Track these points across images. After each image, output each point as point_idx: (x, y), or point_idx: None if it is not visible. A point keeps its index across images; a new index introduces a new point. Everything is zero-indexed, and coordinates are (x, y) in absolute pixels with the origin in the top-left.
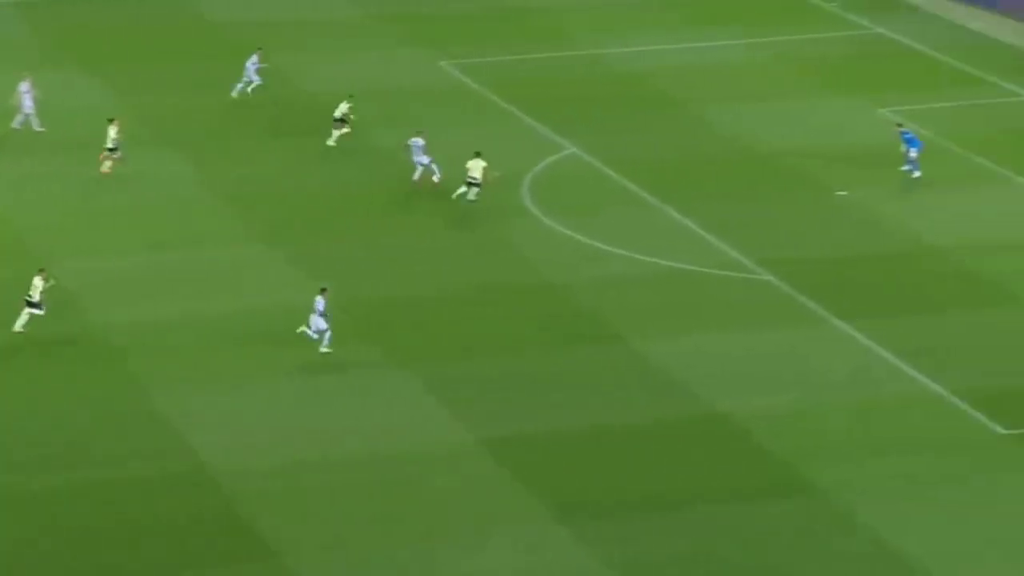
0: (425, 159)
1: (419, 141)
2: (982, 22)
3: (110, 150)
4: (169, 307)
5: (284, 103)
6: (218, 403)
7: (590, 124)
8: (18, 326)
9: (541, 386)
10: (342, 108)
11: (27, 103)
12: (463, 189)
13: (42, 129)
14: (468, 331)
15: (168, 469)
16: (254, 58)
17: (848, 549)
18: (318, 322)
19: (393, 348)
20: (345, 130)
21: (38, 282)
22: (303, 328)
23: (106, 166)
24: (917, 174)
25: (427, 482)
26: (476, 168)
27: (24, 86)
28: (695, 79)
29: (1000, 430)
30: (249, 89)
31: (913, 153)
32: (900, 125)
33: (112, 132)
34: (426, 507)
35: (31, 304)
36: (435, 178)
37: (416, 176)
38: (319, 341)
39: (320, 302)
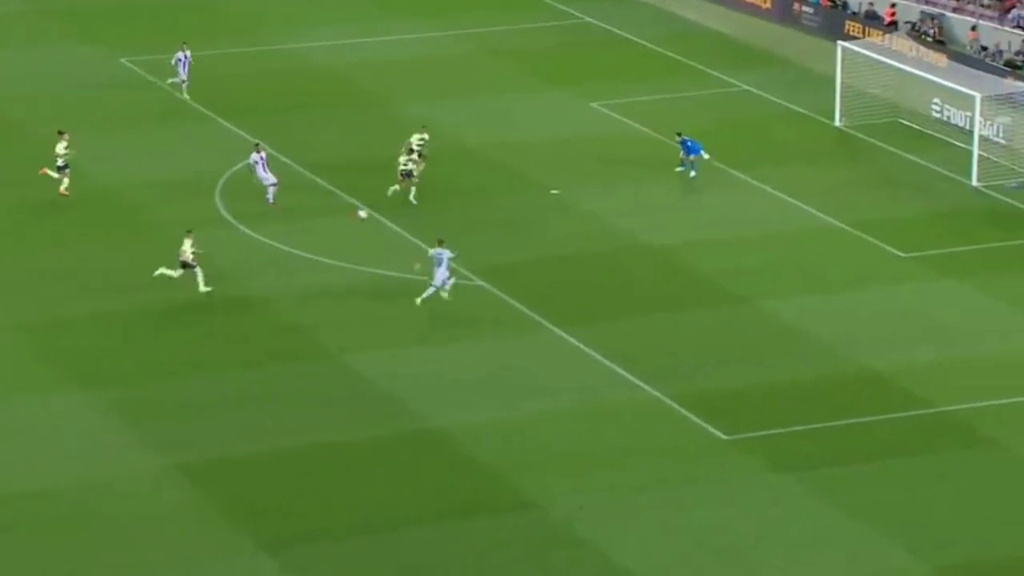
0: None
1: (259, 157)
2: (694, 11)
3: (60, 168)
4: None
5: None
6: None
7: (287, 124)
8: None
9: (242, 407)
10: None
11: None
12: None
13: None
14: (160, 351)
15: None
16: None
17: (568, 564)
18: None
19: (77, 370)
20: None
21: (187, 245)
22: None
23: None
24: (693, 174)
25: (119, 513)
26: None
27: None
28: (398, 74)
29: (721, 436)
30: None
31: (693, 156)
32: (680, 134)
33: (60, 148)
34: (119, 541)
35: (185, 265)
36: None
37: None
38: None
39: (443, 253)
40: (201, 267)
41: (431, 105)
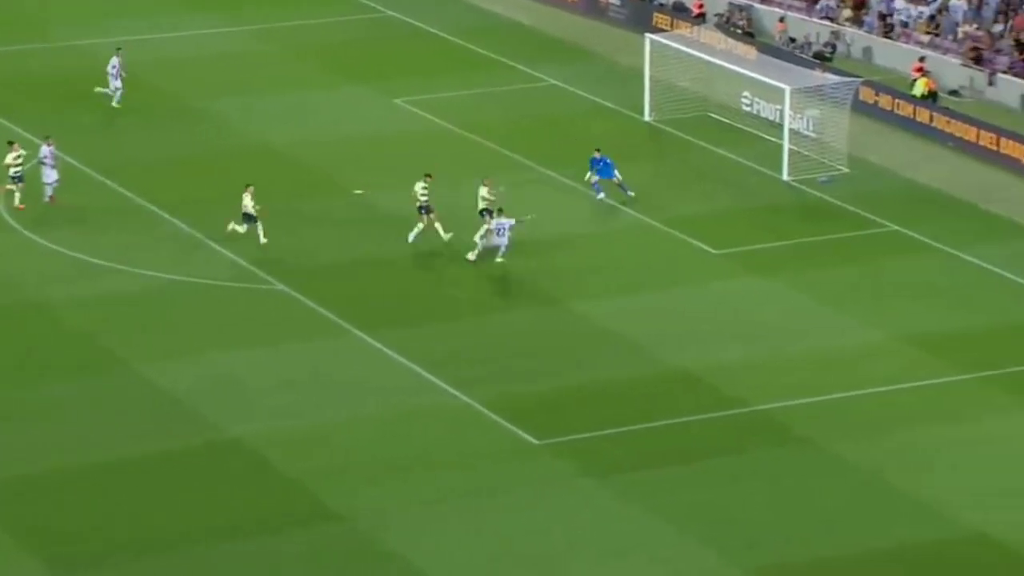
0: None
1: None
2: (500, 5)
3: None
4: None
5: None
6: None
7: (74, 124)
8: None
9: (22, 422)
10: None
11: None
12: None
13: None
14: None
15: None
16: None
17: None
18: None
19: None
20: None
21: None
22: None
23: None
24: (601, 195)
25: None
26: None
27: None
28: (195, 72)
29: (532, 440)
30: None
31: (603, 179)
32: (598, 150)
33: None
34: None
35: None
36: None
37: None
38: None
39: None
40: (262, 221)
41: (230, 103)
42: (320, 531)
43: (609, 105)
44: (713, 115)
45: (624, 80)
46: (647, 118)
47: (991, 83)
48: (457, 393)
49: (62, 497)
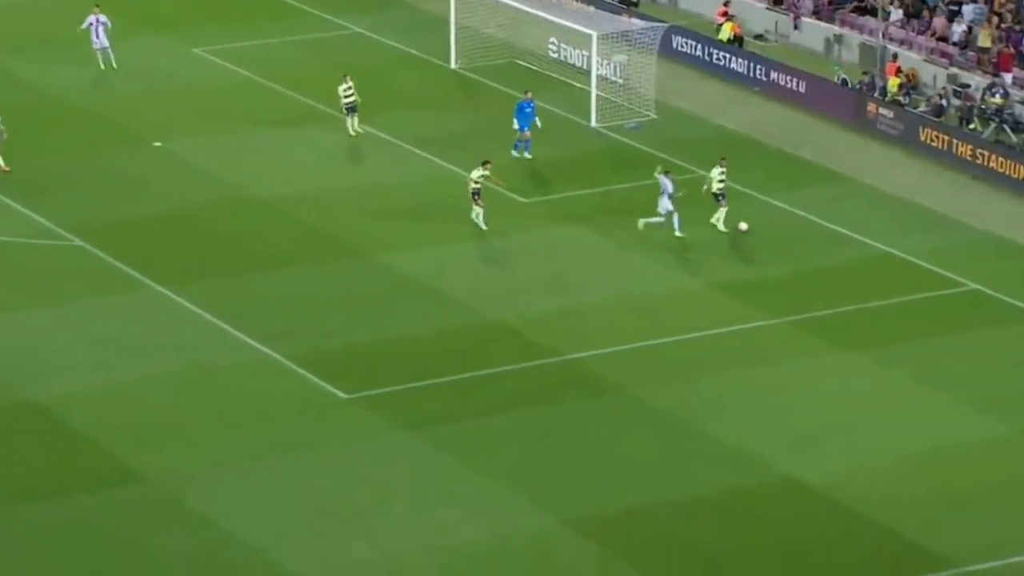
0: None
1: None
2: None
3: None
4: None
5: None
6: None
7: None
8: None
9: None
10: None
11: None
12: None
13: None
14: None
15: None
16: None
17: (180, 537)
18: (665, 204)
19: None
20: None
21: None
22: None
23: None
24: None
25: None
26: None
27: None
28: None
29: (341, 395)
30: None
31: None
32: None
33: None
34: None
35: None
36: None
37: None
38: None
39: (668, 183)
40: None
41: (17, 57)
42: (122, 492)
43: (416, 53)
44: (520, 62)
45: (430, 28)
46: (454, 66)
47: (796, 27)
48: (262, 347)
49: None
